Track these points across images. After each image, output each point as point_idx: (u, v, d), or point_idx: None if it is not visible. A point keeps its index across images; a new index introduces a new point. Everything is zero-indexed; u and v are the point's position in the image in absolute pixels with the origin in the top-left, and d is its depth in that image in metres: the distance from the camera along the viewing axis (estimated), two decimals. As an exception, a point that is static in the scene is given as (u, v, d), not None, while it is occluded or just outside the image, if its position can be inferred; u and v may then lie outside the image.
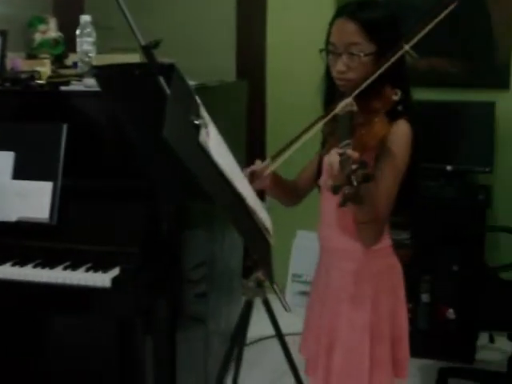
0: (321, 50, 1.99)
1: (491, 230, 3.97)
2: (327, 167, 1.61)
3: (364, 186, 1.49)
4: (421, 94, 3.88)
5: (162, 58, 2.06)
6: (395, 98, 1.84)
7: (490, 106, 3.84)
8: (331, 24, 1.98)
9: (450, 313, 3.70)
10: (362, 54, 1.89)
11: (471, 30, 3.97)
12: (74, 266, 2.42)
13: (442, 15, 1.82)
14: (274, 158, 2.05)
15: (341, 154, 1.54)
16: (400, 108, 1.89)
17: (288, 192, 2.26)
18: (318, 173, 2.13)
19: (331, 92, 2.05)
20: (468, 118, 3.89)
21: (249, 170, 2.05)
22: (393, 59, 1.84)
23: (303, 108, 4.15)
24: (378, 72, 1.86)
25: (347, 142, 1.62)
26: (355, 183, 1.47)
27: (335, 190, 1.51)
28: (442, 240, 3.73)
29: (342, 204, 1.51)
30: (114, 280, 2.35)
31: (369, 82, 1.86)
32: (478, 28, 3.96)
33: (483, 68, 3.98)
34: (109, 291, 2.35)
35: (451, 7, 1.82)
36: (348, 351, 2.04)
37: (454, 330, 3.71)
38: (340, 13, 1.96)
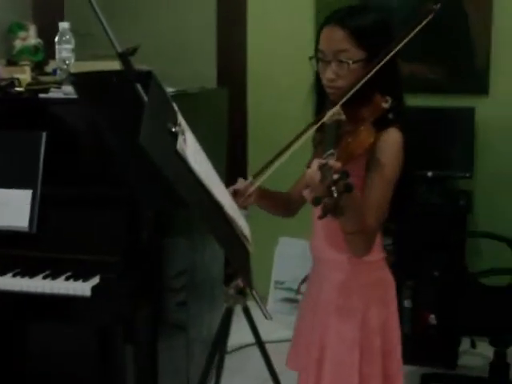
0: (310, 58, 1.95)
1: (472, 235, 3.98)
2: (307, 178, 1.57)
3: (345, 197, 1.46)
4: (401, 100, 3.93)
5: (143, 64, 2.05)
6: (385, 105, 1.80)
7: (470, 111, 3.86)
8: (320, 31, 1.93)
9: (432, 318, 3.70)
10: (350, 62, 1.85)
11: (450, 37, 3.99)
12: (53, 275, 2.41)
13: (422, 24, 1.79)
14: (257, 175, 2.02)
15: (323, 165, 1.51)
16: (391, 116, 1.84)
17: (279, 205, 2.23)
18: None
19: (322, 100, 2.01)
20: (448, 124, 3.90)
21: (231, 188, 2.01)
22: (375, 69, 1.81)
23: (284, 114, 4.19)
24: (363, 81, 1.82)
25: (331, 151, 1.59)
26: (335, 194, 1.43)
27: (316, 201, 1.47)
28: (423, 245, 3.73)
29: (322, 216, 1.47)
30: (94, 289, 2.34)
31: (354, 90, 1.82)
32: (457, 34, 3.99)
33: (462, 74, 4.01)
34: (89, 300, 2.34)
35: (429, 17, 1.79)
36: (337, 365, 1.99)
37: (436, 336, 3.71)
38: (328, 20, 1.91)
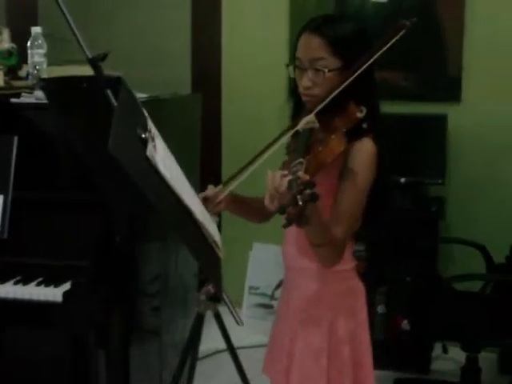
0: (287, 65, 1.96)
1: (444, 241, 4.01)
2: (267, 186, 1.58)
3: (310, 207, 1.47)
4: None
5: (118, 68, 2.05)
6: (359, 115, 1.79)
7: (442, 118, 3.89)
8: (297, 39, 1.93)
9: (405, 324, 3.73)
10: (326, 70, 1.85)
11: (423, 44, 4.01)
12: (25, 281, 2.40)
13: (394, 40, 1.81)
14: (228, 182, 2.03)
15: (290, 175, 1.52)
16: (365, 125, 1.84)
17: (252, 211, 2.21)
18: None
19: (298, 107, 2.02)
20: (420, 131, 3.93)
21: (200, 195, 2.00)
22: (348, 81, 1.81)
23: (259, 120, 4.20)
24: (337, 91, 1.82)
25: (300, 160, 1.60)
26: (301, 203, 1.44)
27: (281, 210, 1.48)
28: (396, 251, 3.75)
29: (287, 225, 1.48)
30: (66, 294, 2.33)
31: (327, 100, 1.83)
32: (430, 42, 4.02)
33: (435, 81, 4.04)
34: (60, 306, 2.33)
35: (402, 32, 1.81)
36: (304, 375, 1.99)
37: (409, 341, 3.73)
38: (306, 27, 1.91)
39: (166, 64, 4.62)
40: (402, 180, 3.85)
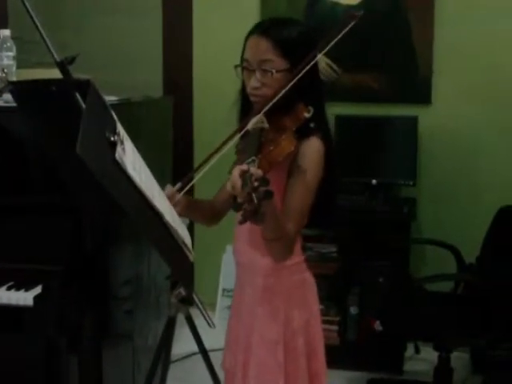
0: (236, 66, 2.01)
1: (416, 242, 4.04)
2: (230, 183, 1.59)
3: (265, 203, 1.49)
4: (345, 109, 3.98)
5: (90, 72, 2.04)
6: (307, 115, 1.85)
7: (413, 120, 3.92)
8: (245, 41, 1.99)
9: (378, 324, 3.74)
10: (274, 71, 1.90)
11: (393, 47, 4.06)
12: (-5, 285, 2.38)
13: (344, 31, 1.86)
14: (186, 181, 2.06)
15: (244, 171, 1.54)
16: (313, 125, 1.90)
17: (205, 214, 2.26)
18: None
19: (247, 108, 2.06)
20: (392, 133, 3.97)
21: None
22: (297, 77, 1.86)
23: (230, 122, 4.18)
24: (284, 90, 1.87)
25: (252, 158, 1.62)
26: (255, 200, 1.46)
27: (236, 207, 1.51)
28: (368, 252, 3.78)
29: (242, 221, 1.50)
30: (37, 298, 2.32)
31: (276, 99, 1.87)
32: (400, 44, 4.05)
33: (405, 83, 4.07)
34: (32, 309, 2.32)
35: (354, 22, 1.86)
36: (262, 367, 2.03)
37: (382, 342, 3.75)
38: (254, 30, 1.97)
39: (138, 67, 4.61)
40: (374, 181, 3.88)
